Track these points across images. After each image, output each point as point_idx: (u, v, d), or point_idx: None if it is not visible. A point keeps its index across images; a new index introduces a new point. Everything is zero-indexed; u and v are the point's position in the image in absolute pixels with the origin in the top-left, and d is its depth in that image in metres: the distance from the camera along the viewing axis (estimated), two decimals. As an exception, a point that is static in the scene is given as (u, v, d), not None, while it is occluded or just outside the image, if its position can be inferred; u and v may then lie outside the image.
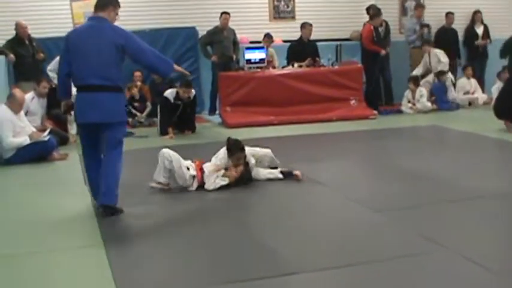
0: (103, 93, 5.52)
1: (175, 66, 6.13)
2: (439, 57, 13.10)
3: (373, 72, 12.64)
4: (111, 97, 5.56)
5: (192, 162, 6.56)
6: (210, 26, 12.49)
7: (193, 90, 10.58)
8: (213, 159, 6.63)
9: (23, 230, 5.37)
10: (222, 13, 12.35)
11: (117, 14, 5.77)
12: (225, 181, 6.45)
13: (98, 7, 5.68)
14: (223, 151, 6.64)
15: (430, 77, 13.24)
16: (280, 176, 6.75)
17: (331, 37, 13.88)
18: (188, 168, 6.42)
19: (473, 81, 13.74)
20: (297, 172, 6.71)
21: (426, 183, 6.56)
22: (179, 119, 10.50)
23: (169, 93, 10.42)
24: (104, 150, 5.64)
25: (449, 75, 13.22)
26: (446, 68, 13.06)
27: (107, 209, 5.54)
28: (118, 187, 5.60)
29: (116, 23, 5.73)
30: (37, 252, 4.79)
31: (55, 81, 9.84)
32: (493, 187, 6.24)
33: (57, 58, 9.61)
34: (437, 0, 14.57)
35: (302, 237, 4.90)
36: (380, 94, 13.26)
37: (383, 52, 12.69)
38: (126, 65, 5.82)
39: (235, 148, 6.64)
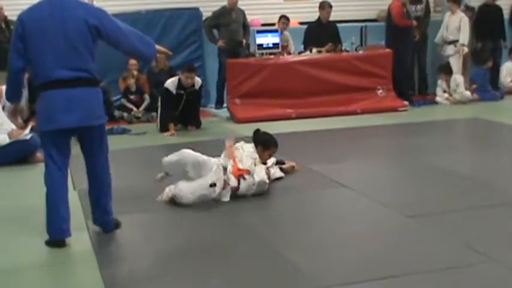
0: (80, 88, 4.92)
1: (157, 47, 5.44)
2: (463, 24, 12.91)
3: (404, 55, 12.53)
4: (90, 93, 4.99)
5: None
6: (216, 7, 12.46)
7: (198, 79, 10.56)
8: (240, 156, 6.37)
9: (3, 243, 5.36)
10: None
11: None
12: (281, 174, 6.62)
13: None
14: (250, 146, 6.56)
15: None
16: (282, 174, 6.86)
17: (355, 18, 13.84)
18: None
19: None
20: (291, 164, 6.69)
21: (465, 184, 6.51)
22: (182, 112, 10.48)
23: (171, 82, 10.37)
24: (90, 161, 5.16)
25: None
26: (465, 41, 12.93)
27: (109, 229, 5.32)
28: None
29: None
30: (23, 268, 4.76)
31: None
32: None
33: None
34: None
35: (328, 248, 4.87)
36: (413, 82, 13.17)
37: (414, 23, 12.64)
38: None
39: (272, 143, 6.63)
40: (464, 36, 12.85)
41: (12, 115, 6.41)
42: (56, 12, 4.89)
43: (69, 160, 5.18)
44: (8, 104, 9.37)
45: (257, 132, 6.76)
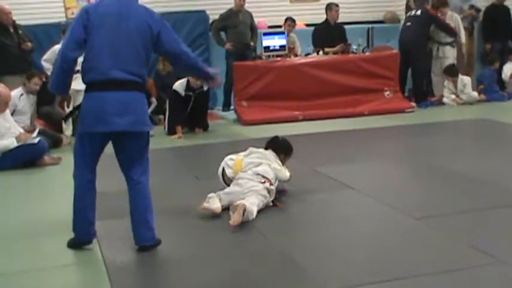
0: (134, 92, 4.78)
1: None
2: (457, 24, 12.86)
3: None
4: (141, 99, 4.85)
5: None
6: (223, 10, 12.48)
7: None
8: (264, 164, 6.18)
9: (12, 246, 5.36)
10: None
11: None
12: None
13: None
14: (270, 153, 6.45)
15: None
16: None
17: (362, 19, 13.84)
18: None
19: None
20: None
21: (473, 186, 6.49)
22: (190, 115, 10.49)
23: (179, 84, 10.33)
24: (129, 172, 4.93)
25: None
26: (462, 40, 12.90)
27: (147, 248, 4.98)
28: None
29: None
30: (28, 270, 4.77)
31: (49, 72, 9.90)
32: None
33: (54, 47, 9.79)
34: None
35: (335, 250, 4.86)
36: (430, 84, 13.14)
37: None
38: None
39: (291, 150, 6.60)
40: (463, 35, 12.83)
41: (60, 105, 6.32)
42: (122, 10, 4.77)
43: (96, 166, 5.00)
44: (19, 107, 9.43)
45: (278, 138, 6.69)
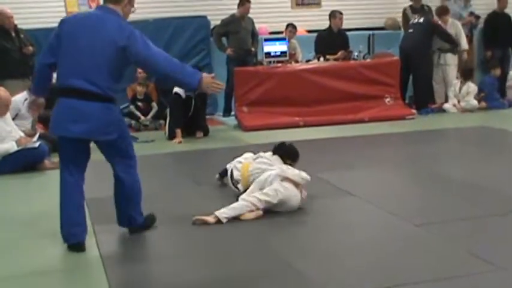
0: (88, 101, 4.93)
1: (205, 76, 5.15)
2: (458, 31, 12.87)
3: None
4: (98, 108, 4.96)
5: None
6: (224, 15, 12.49)
7: None
8: (280, 171, 6.07)
9: (12, 250, 5.36)
10: (243, 0, 12.24)
11: (132, 6, 5.26)
12: None
13: None
14: (276, 158, 6.47)
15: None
16: None
17: (362, 26, 13.86)
18: None
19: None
20: None
21: (473, 193, 6.49)
22: (190, 118, 10.53)
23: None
24: (113, 168, 5.28)
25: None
26: (463, 46, 12.87)
27: (132, 230, 5.49)
28: (140, 204, 5.47)
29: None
30: (28, 274, 4.76)
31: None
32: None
33: None
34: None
35: (336, 256, 4.85)
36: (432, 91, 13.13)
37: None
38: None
39: (297, 156, 6.61)
40: (465, 42, 12.84)
41: (30, 107, 6.41)
42: (91, 24, 5.02)
43: (85, 166, 5.23)
44: (22, 111, 9.42)
45: (283, 145, 6.66)
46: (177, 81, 5.35)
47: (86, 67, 4.92)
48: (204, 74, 5.15)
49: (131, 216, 5.42)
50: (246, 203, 5.75)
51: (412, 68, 12.30)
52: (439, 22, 12.62)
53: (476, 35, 14.23)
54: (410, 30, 12.64)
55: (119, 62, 4.99)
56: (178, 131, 10.31)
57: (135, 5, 5.31)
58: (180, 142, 10.14)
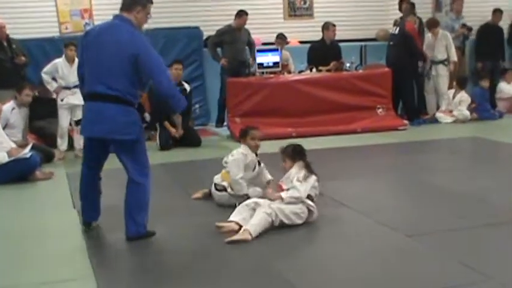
0: (109, 104, 5.40)
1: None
2: (448, 43, 12.91)
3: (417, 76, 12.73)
4: (117, 109, 5.40)
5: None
6: (217, 26, 12.48)
7: (187, 86, 10.89)
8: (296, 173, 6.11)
9: (2, 261, 5.33)
10: (240, 12, 12.23)
11: (148, 14, 5.63)
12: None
13: (123, 6, 5.56)
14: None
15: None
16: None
17: (354, 37, 13.89)
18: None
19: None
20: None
21: (465, 204, 6.50)
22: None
23: None
24: (126, 171, 5.58)
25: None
26: (453, 58, 12.90)
27: (132, 239, 5.58)
28: (147, 214, 5.64)
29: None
30: (19, 286, 4.74)
31: (49, 86, 9.98)
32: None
33: (55, 61, 10.01)
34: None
35: (327, 267, 4.85)
36: (424, 102, 13.15)
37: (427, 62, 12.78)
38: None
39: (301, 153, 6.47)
40: (454, 53, 12.87)
41: None
42: (107, 32, 5.48)
43: (102, 164, 5.81)
44: (11, 121, 9.40)
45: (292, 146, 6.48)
46: (169, 103, 5.67)
47: (106, 74, 5.39)
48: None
49: (136, 222, 5.57)
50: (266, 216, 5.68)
51: (396, 79, 12.34)
52: (428, 33, 12.66)
53: (468, 46, 14.26)
54: (391, 42, 12.73)
55: (133, 68, 5.37)
56: (167, 123, 10.69)
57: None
58: (175, 133, 10.67)
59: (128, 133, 5.45)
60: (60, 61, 9.99)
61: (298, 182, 5.91)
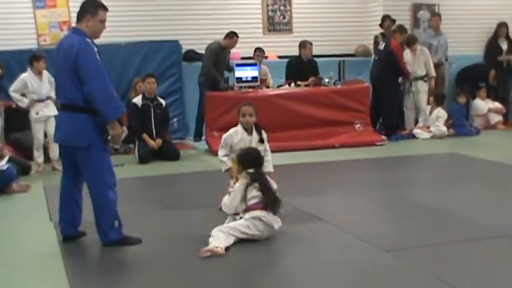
0: (64, 112, 5.70)
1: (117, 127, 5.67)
2: (427, 59, 13.04)
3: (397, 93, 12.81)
4: (72, 117, 5.58)
5: None
6: (196, 40, 12.56)
7: (162, 100, 10.97)
8: None
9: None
10: (232, 34, 12.23)
11: (101, 22, 5.62)
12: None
13: (77, 18, 5.70)
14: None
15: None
16: None
17: (333, 52, 13.96)
18: None
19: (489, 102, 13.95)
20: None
21: (442, 219, 6.55)
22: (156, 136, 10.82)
23: (136, 98, 11.03)
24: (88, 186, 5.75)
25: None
26: (431, 73, 13.01)
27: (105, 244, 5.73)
28: (113, 220, 5.69)
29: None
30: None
31: (20, 103, 9.83)
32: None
33: (22, 76, 9.82)
34: (454, 11, 14.57)
35: (302, 283, 4.84)
36: (403, 117, 13.22)
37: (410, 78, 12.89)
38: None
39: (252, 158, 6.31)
40: (433, 69, 12.99)
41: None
42: (61, 45, 5.69)
43: (77, 171, 5.72)
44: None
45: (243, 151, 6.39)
46: (98, 107, 5.50)
47: (60, 84, 5.70)
48: (117, 125, 5.65)
49: (103, 232, 5.70)
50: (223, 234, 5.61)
51: (378, 94, 12.44)
52: (404, 49, 12.75)
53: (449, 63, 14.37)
54: (376, 58, 12.84)
55: (76, 74, 5.47)
56: (145, 135, 10.74)
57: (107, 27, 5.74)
58: (154, 144, 10.67)
59: (78, 140, 5.57)
60: (27, 75, 9.83)
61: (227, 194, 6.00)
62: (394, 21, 13.22)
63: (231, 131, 6.88)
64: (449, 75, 14.16)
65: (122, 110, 5.75)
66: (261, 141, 6.86)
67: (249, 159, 6.14)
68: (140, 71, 12.21)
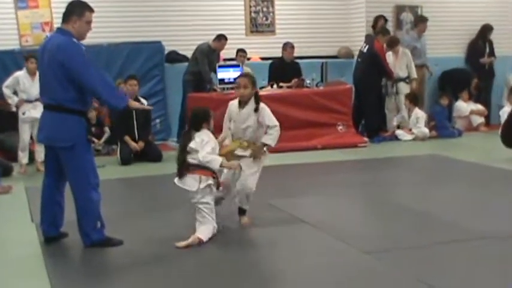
0: (49, 112, 5.68)
1: (132, 103, 6.15)
2: (409, 61, 13.12)
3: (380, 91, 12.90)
4: (55, 118, 5.62)
5: None
6: (179, 41, 12.54)
7: (144, 101, 10.81)
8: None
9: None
10: (221, 36, 12.28)
11: (87, 23, 5.68)
12: None
13: (62, 19, 5.71)
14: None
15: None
16: None
17: (316, 54, 14.00)
18: None
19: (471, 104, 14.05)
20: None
21: (423, 221, 6.59)
22: (138, 137, 10.82)
23: None
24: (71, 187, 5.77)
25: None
26: (413, 75, 13.10)
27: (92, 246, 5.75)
28: (96, 221, 5.73)
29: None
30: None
31: (10, 100, 9.90)
32: (498, 227, 6.24)
33: (15, 74, 9.92)
34: (437, 13, 14.63)
35: (282, 285, 4.88)
36: (385, 119, 13.29)
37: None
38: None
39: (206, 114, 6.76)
40: (414, 71, 13.08)
41: None
42: (46, 45, 5.69)
43: (60, 172, 5.75)
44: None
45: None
46: (104, 100, 5.84)
47: (46, 85, 5.68)
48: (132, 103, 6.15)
49: (85, 233, 5.74)
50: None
51: (360, 96, 12.51)
52: (387, 51, 12.80)
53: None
54: (359, 59, 12.93)
55: (63, 74, 5.50)
56: (127, 138, 10.73)
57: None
58: (136, 147, 10.70)
59: (63, 140, 5.60)
60: (21, 74, 9.91)
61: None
62: (387, 21, 13.37)
63: (231, 102, 6.90)
64: (429, 77, 14.23)
65: (124, 97, 6.14)
66: (256, 110, 6.82)
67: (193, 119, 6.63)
68: (122, 72, 12.19)
